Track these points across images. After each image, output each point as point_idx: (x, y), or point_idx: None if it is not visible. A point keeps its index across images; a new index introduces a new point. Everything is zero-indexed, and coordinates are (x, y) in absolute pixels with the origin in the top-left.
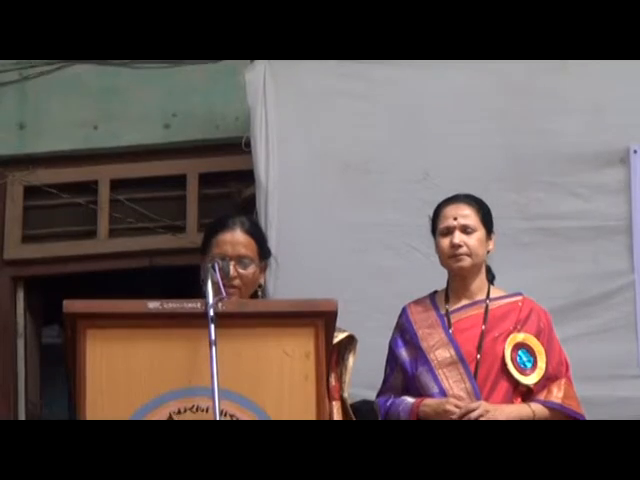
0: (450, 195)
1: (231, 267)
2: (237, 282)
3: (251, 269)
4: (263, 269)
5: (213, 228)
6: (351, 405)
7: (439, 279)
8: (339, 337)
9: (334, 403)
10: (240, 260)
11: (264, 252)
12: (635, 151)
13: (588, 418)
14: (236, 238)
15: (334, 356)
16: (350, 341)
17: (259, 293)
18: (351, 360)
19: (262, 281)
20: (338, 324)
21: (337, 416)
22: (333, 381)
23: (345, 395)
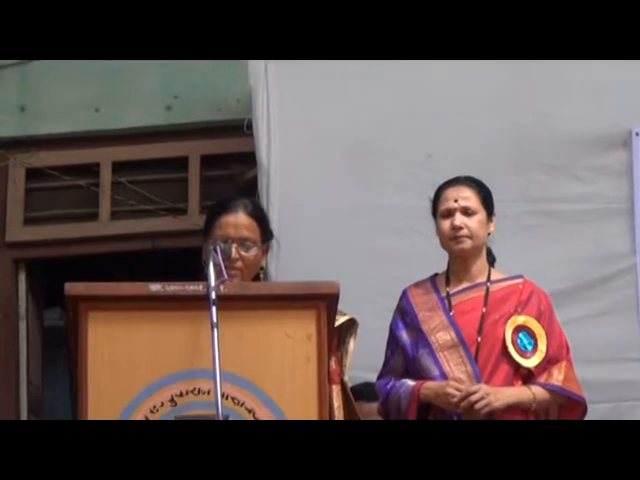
0: (452, 177)
1: (233, 249)
2: (239, 264)
3: (253, 251)
4: (265, 251)
5: (216, 210)
6: (352, 387)
7: (441, 261)
8: (340, 320)
9: (334, 387)
10: (242, 243)
11: (266, 234)
12: (637, 133)
13: (589, 401)
14: (239, 220)
15: (335, 339)
16: (351, 324)
17: (261, 275)
18: (352, 344)
19: (264, 263)
20: (339, 307)
21: (337, 400)
22: (333, 364)
23: (345, 379)
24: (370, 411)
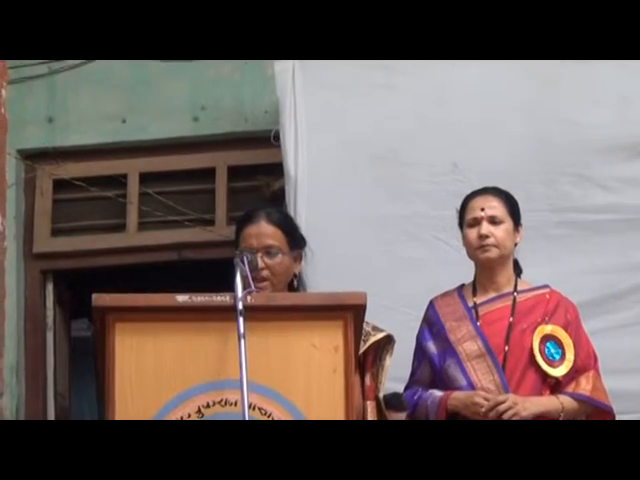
0: (478, 187)
1: (259, 259)
2: (266, 273)
3: (278, 259)
4: (297, 259)
5: (240, 223)
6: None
7: (467, 272)
8: (377, 337)
9: (368, 403)
10: (267, 251)
11: (295, 241)
12: None
13: (616, 412)
14: (261, 230)
15: (370, 356)
16: (388, 341)
17: (295, 283)
18: (388, 360)
19: (297, 271)
20: (367, 318)
21: (371, 416)
22: (368, 381)
23: (380, 395)
24: None
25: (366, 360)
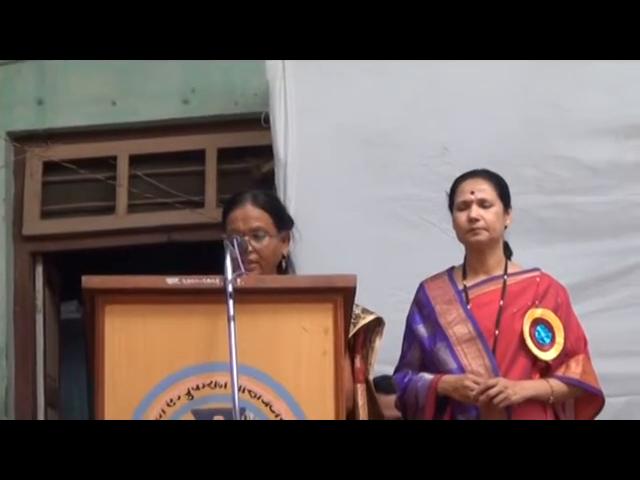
0: (468, 170)
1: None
2: (254, 256)
3: (265, 241)
4: (285, 240)
5: (226, 206)
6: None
7: (457, 255)
8: (367, 319)
9: (359, 385)
10: (254, 234)
11: (282, 223)
12: None
13: (605, 395)
14: (247, 213)
15: (360, 338)
16: (378, 323)
17: (283, 264)
18: (378, 343)
19: (285, 252)
20: (357, 301)
21: (361, 398)
22: (358, 363)
23: (370, 378)
24: (387, 404)
25: (356, 343)
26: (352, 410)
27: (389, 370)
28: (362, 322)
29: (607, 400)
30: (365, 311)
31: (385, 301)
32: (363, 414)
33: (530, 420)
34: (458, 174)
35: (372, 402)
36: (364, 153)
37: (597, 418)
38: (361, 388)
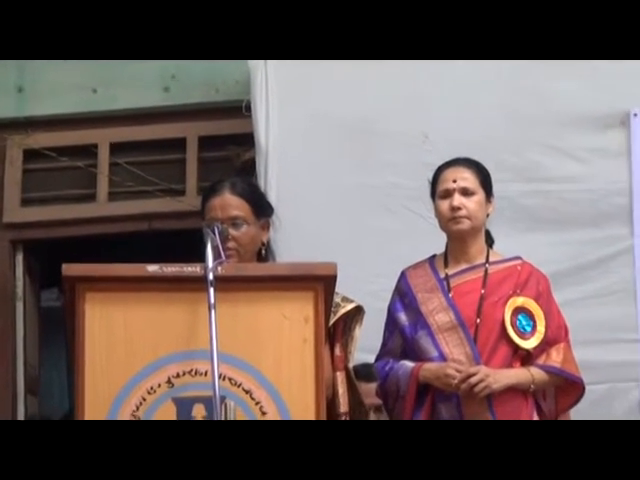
0: (449, 157)
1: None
2: (232, 244)
3: (244, 229)
4: (264, 227)
5: (205, 194)
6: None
7: (438, 242)
8: (347, 307)
9: (338, 373)
10: (232, 222)
11: (261, 210)
12: (635, 114)
13: (585, 383)
14: (225, 201)
15: (340, 326)
16: (357, 312)
17: (263, 252)
18: (357, 331)
19: (265, 239)
20: (338, 289)
21: (341, 386)
22: (338, 351)
23: (350, 366)
24: (368, 392)
25: (336, 331)
26: (332, 398)
27: (370, 358)
28: (342, 310)
29: (587, 388)
30: (345, 299)
31: (366, 289)
32: (343, 402)
33: (518, 420)
34: (439, 162)
35: (352, 390)
36: (345, 141)
37: (577, 406)
38: (341, 376)
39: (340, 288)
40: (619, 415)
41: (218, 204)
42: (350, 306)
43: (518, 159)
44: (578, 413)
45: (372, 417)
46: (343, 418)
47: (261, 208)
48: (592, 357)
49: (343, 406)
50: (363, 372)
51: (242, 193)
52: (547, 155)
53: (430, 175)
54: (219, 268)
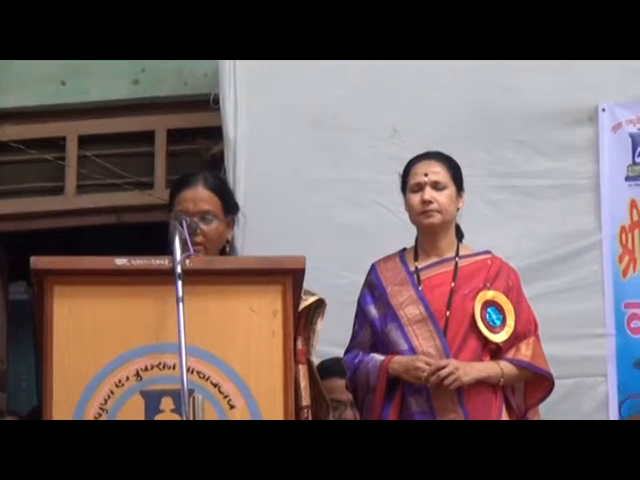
0: (418, 152)
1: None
2: (200, 239)
3: (214, 225)
4: (230, 224)
5: (176, 186)
6: (324, 363)
7: (406, 236)
8: (308, 301)
9: (300, 366)
10: (203, 216)
11: (229, 207)
12: (603, 109)
13: (554, 377)
14: (198, 194)
15: (302, 319)
16: (319, 305)
17: (227, 249)
18: (319, 324)
19: (229, 237)
20: (307, 286)
21: (303, 379)
22: (300, 344)
23: (312, 359)
24: (342, 387)
25: (298, 324)
26: (294, 391)
27: (339, 352)
28: (304, 304)
29: (556, 382)
30: (307, 292)
31: (335, 283)
32: (305, 395)
33: (488, 420)
34: (408, 156)
35: (314, 383)
36: (313, 135)
37: (546, 400)
38: (303, 369)
39: (308, 282)
40: (587, 410)
41: (190, 197)
42: (312, 299)
43: (487, 154)
44: (546, 408)
45: (349, 412)
46: (305, 411)
47: (230, 205)
48: (560, 352)
49: (305, 399)
50: (336, 368)
51: (214, 188)
52: (516, 150)
53: (399, 169)
54: (187, 261)
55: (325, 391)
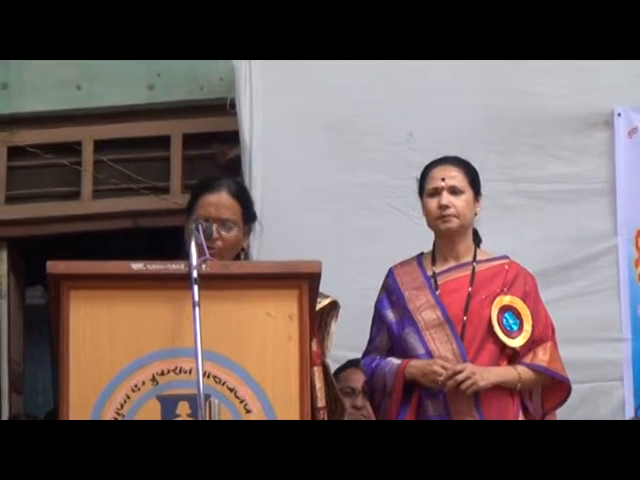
0: (433, 156)
1: (214, 229)
2: (218, 244)
3: (233, 232)
4: (247, 233)
5: (199, 189)
6: (340, 368)
7: (421, 241)
8: (322, 303)
9: (315, 368)
10: (223, 223)
11: (249, 216)
12: (619, 114)
13: (571, 380)
14: (221, 200)
15: (317, 322)
16: (333, 307)
17: (241, 256)
18: (333, 326)
19: (245, 245)
20: (321, 288)
21: (318, 381)
22: (315, 346)
23: (327, 361)
24: (358, 377)
25: (312, 326)
26: (310, 393)
27: (354, 356)
28: (318, 306)
29: (572, 386)
30: (321, 295)
31: (350, 287)
32: (321, 396)
33: (506, 420)
34: (424, 161)
35: (329, 385)
36: (329, 139)
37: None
38: (318, 371)
39: (324, 286)
40: (603, 414)
41: (213, 202)
42: (326, 301)
43: (502, 158)
44: (563, 412)
45: (360, 399)
46: (321, 413)
47: (249, 213)
48: (576, 356)
49: (321, 401)
50: (357, 360)
51: (237, 196)
52: (530, 154)
53: (414, 174)
54: (203, 266)
55: (343, 380)
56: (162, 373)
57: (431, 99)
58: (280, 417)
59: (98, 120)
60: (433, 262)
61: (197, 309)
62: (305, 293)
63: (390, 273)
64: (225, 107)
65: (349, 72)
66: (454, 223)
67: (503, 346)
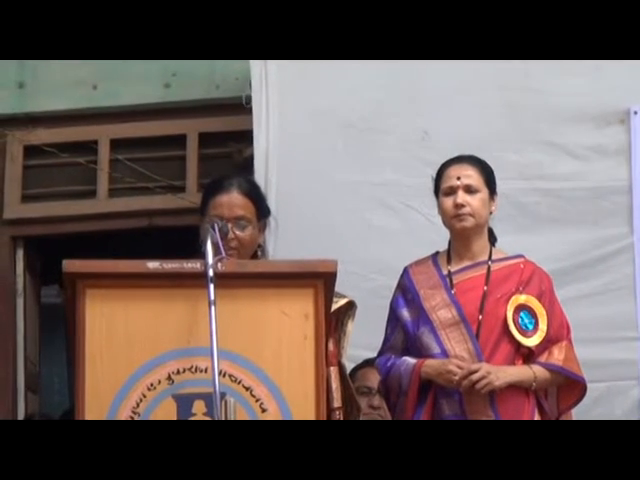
0: (449, 155)
1: (229, 227)
2: (234, 244)
3: (248, 231)
4: (262, 229)
5: (210, 190)
6: (356, 367)
7: (437, 240)
8: (339, 303)
9: (332, 368)
10: (237, 222)
11: (262, 212)
12: (635, 112)
13: (586, 380)
14: (232, 200)
15: (333, 322)
16: (349, 307)
17: (259, 253)
18: (350, 326)
19: (261, 241)
20: (337, 288)
21: (334, 381)
22: (331, 346)
23: (343, 361)
24: (375, 376)
25: (329, 326)
26: (326, 393)
27: (369, 355)
28: (335, 306)
29: (588, 386)
30: (337, 295)
31: (365, 286)
32: (337, 397)
33: (521, 420)
34: (439, 159)
35: (345, 385)
36: (345, 137)
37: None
38: (334, 371)
39: (339, 285)
40: (619, 414)
41: (225, 202)
42: (342, 301)
43: (518, 157)
44: (578, 411)
45: (376, 399)
46: (337, 413)
47: (262, 210)
48: (592, 355)
49: (337, 401)
50: (374, 360)
51: (249, 193)
52: (547, 152)
53: (430, 172)
54: (219, 265)
55: (360, 379)
56: (178, 372)
57: (446, 98)
58: (296, 416)
59: (114, 119)
60: (448, 261)
61: (213, 308)
62: (321, 292)
63: (405, 272)
64: (241, 106)
65: (364, 72)
66: (469, 222)
67: (518, 345)
